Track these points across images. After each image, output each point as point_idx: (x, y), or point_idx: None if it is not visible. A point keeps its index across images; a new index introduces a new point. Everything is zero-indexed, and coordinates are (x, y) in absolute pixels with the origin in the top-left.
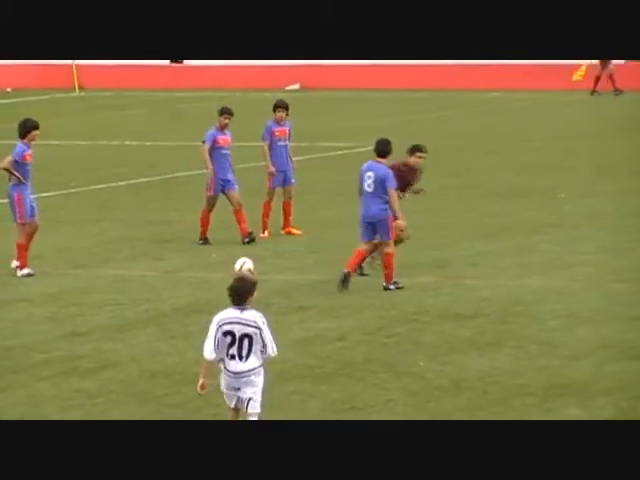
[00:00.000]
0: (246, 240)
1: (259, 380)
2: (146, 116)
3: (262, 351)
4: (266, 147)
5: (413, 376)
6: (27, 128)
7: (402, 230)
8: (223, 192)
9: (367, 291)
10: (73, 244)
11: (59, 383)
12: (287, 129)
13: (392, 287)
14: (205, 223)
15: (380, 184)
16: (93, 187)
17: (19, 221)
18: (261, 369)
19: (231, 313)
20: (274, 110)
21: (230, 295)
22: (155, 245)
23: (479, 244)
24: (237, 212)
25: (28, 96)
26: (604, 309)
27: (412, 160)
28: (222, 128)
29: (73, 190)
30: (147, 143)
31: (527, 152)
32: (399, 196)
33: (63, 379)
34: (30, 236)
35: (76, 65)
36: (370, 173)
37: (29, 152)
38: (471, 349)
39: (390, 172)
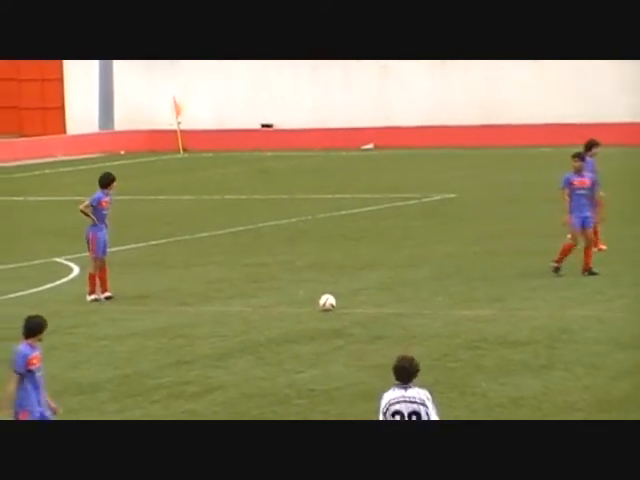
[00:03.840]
0: (586, 273)
1: None
2: (241, 173)
3: None
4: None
5: (476, 395)
6: (107, 180)
7: None
8: (582, 227)
9: (434, 322)
10: (180, 285)
11: (169, 405)
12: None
13: None
14: (566, 253)
15: None
16: (197, 235)
17: (92, 255)
18: None
19: (397, 393)
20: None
21: (397, 375)
22: (251, 284)
23: (529, 280)
24: (587, 248)
25: (139, 158)
26: None
27: None
28: (577, 171)
29: (179, 238)
30: (243, 196)
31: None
32: None
33: (172, 401)
34: (101, 269)
35: (180, 130)
36: None
37: (106, 199)
38: (526, 371)
39: None
